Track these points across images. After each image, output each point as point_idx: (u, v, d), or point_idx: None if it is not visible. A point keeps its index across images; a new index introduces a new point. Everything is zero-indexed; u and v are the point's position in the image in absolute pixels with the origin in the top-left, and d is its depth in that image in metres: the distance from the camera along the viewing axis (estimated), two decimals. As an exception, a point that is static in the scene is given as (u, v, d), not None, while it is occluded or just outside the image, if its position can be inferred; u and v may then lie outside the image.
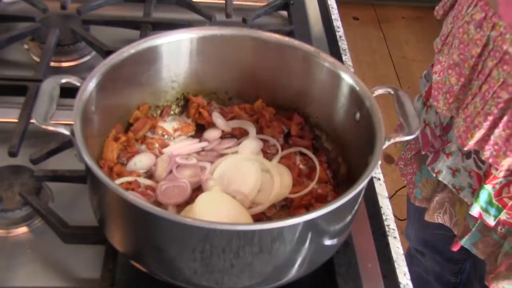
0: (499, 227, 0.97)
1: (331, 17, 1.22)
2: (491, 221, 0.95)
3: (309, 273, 0.67)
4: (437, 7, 1.03)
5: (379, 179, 0.90)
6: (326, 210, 0.59)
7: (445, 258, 1.29)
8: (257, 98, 0.86)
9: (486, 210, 0.95)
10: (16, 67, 1.03)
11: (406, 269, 0.78)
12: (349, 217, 0.68)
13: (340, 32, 1.19)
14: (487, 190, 0.93)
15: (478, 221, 0.99)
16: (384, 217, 0.84)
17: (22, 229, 0.77)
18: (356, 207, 0.68)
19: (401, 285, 0.76)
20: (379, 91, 0.75)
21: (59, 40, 1.03)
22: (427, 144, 1.04)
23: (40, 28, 1.05)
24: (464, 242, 1.04)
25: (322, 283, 0.73)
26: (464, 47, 0.87)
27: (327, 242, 0.66)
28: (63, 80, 0.71)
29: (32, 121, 0.70)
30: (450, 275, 1.34)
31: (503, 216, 0.94)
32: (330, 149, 0.82)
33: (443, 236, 1.13)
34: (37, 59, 1.03)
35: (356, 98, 0.75)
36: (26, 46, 1.05)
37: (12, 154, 0.81)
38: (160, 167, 0.77)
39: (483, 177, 0.94)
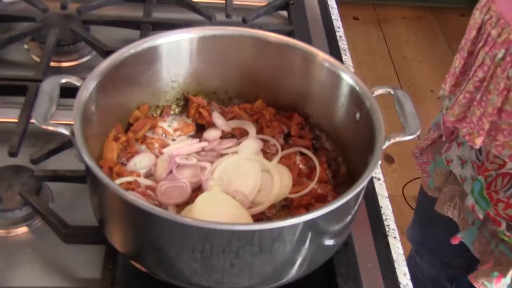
0: (490, 224, 0.98)
1: (331, 17, 1.22)
2: (480, 214, 0.96)
3: (309, 273, 0.67)
4: None
5: (379, 179, 0.90)
6: (326, 210, 0.59)
7: (440, 261, 1.30)
8: (257, 98, 0.86)
9: (477, 202, 0.96)
10: (16, 67, 1.03)
11: (406, 269, 0.78)
12: (349, 217, 0.68)
13: (340, 32, 1.19)
14: (480, 181, 0.94)
15: (475, 217, 1.00)
16: (384, 217, 0.84)
17: (22, 229, 0.77)
18: (356, 207, 0.68)
19: (401, 285, 0.76)
20: (379, 91, 0.75)
21: (59, 40, 1.03)
22: (447, 132, 1.05)
23: (40, 28, 1.05)
24: (463, 236, 1.05)
25: (322, 283, 0.73)
26: (469, 31, 0.92)
27: (327, 242, 0.66)
28: (63, 80, 0.71)
29: (32, 121, 0.70)
30: (446, 280, 1.34)
31: (491, 211, 0.94)
32: (330, 149, 0.82)
33: (438, 237, 1.14)
34: (37, 59, 1.03)
35: (356, 98, 0.75)
36: (26, 46, 1.05)
37: (12, 154, 0.81)
38: (160, 167, 0.77)
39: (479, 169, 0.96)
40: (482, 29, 0.88)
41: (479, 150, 0.93)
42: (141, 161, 0.77)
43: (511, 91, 0.83)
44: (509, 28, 0.82)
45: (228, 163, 0.78)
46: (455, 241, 1.08)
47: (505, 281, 0.99)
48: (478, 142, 0.89)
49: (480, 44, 0.87)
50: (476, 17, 0.91)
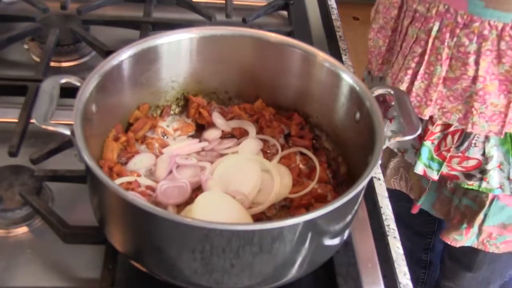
0: (448, 182, 1.03)
1: (331, 17, 1.22)
2: (434, 176, 1.00)
3: (309, 273, 0.67)
4: None
5: (379, 179, 0.90)
6: (326, 210, 0.59)
7: (414, 232, 1.34)
8: (257, 98, 0.86)
9: (429, 166, 1.00)
10: (16, 67, 1.03)
11: (406, 269, 0.78)
12: (349, 217, 0.68)
13: (340, 32, 1.19)
14: (427, 146, 0.99)
15: (431, 180, 1.04)
16: (384, 217, 0.84)
17: (22, 229, 0.77)
18: (356, 207, 0.68)
19: (401, 285, 0.76)
20: (379, 91, 0.75)
21: (59, 40, 1.03)
22: None
23: (40, 28, 1.05)
24: (422, 203, 1.10)
25: (322, 283, 0.73)
26: (386, 10, 0.98)
27: (327, 242, 0.66)
28: (63, 80, 0.71)
29: (32, 121, 0.70)
30: (421, 251, 1.38)
31: (444, 169, 0.99)
32: (330, 149, 0.82)
33: (404, 208, 1.16)
34: (37, 59, 1.03)
35: (356, 98, 0.75)
36: (26, 46, 1.05)
37: (12, 154, 0.80)
38: (160, 167, 0.77)
39: (423, 136, 0.99)
40: (404, 7, 0.93)
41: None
42: (141, 161, 0.77)
43: (453, 59, 0.88)
44: (435, 1, 0.86)
45: (228, 163, 0.78)
46: (414, 210, 1.13)
47: (473, 230, 1.03)
48: (428, 113, 0.93)
49: (407, 21, 0.92)
50: None
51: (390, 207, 0.86)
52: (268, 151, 0.82)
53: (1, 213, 0.76)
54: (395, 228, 0.83)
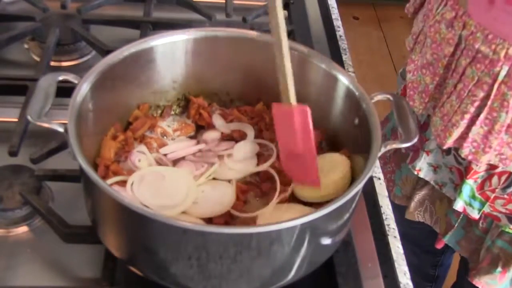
0: (481, 222, 0.98)
1: (331, 16, 1.22)
2: (475, 215, 0.95)
3: (309, 272, 0.67)
4: (407, 5, 1.04)
5: (379, 178, 0.90)
6: (322, 213, 0.59)
7: (423, 250, 1.31)
8: (259, 100, 0.86)
9: (469, 204, 0.95)
10: (16, 66, 1.03)
11: (406, 269, 0.78)
12: (347, 216, 0.67)
13: (340, 31, 1.18)
14: (469, 184, 0.93)
15: (461, 217, 1.00)
16: (384, 217, 0.84)
17: (22, 229, 0.77)
18: (353, 207, 0.67)
19: (401, 285, 0.76)
20: (379, 97, 0.74)
21: (59, 39, 1.03)
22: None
23: (40, 27, 1.05)
24: (448, 239, 1.06)
25: (322, 283, 0.73)
26: (437, 46, 0.88)
27: (325, 242, 0.66)
28: (61, 78, 0.71)
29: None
30: (429, 267, 1.35)
31: (486, 209, 0.94)
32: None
33: (421, 229, 1.14)
34: (37, 59, 1.03)
35: (353, 100, 0.74)
36: (26, 46, 1.05)
37: (12, 154, 0.81)
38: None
39: (464, 172, 0.95)
40: (461, 45, 0.84)
41: (460, 155, 0.91)
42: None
43: None
44: (504, 43, 0.78)
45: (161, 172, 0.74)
46: (439, 245, 1.09)
47: (509, 275, 0.99)
48: (485, 160, 0.87)
49: (465, 61, 0.83)
50: (444, 31, 0.86)
51: (390, 206, 0.86)
52: (266, 153, 0.81)
53: (1, 213, 0.76)
54: (395, 227, 0.83)
